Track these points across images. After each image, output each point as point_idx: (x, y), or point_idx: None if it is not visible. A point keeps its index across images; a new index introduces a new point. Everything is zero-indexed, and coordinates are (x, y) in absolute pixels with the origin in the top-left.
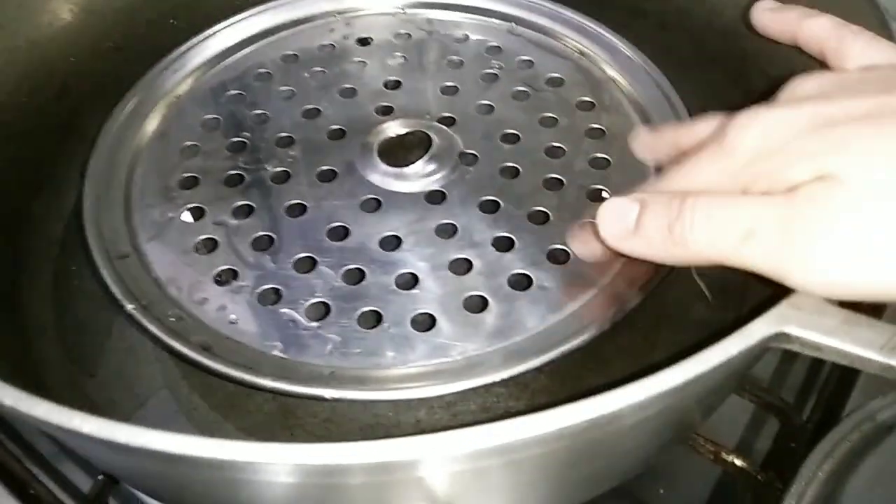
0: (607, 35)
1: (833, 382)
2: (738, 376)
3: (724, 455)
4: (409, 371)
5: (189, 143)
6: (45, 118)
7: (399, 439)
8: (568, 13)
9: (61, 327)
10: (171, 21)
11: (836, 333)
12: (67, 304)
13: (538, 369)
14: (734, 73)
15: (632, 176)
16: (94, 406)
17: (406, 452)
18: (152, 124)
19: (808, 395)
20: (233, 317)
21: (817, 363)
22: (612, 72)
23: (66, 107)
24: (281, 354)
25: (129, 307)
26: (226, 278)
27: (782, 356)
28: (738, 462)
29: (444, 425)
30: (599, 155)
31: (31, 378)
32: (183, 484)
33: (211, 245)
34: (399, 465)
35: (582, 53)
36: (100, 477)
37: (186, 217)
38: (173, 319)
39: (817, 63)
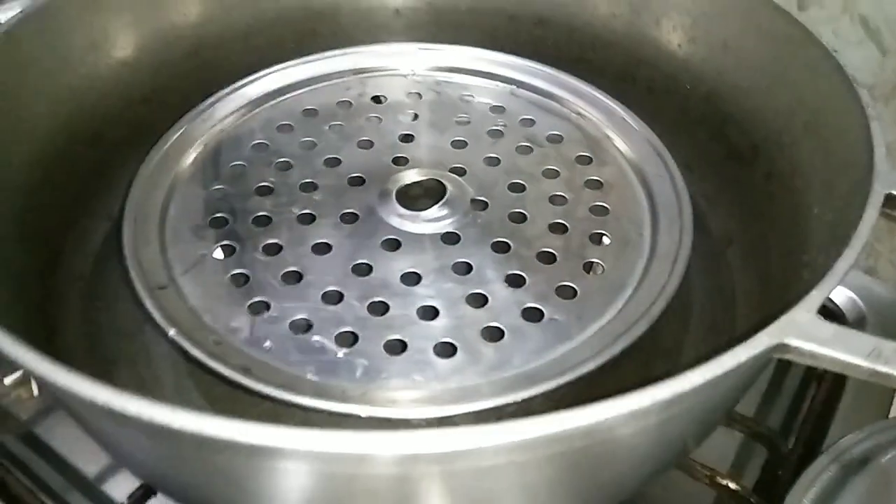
0: (602, 98)
1: (814, 415)
2: (734, 397)
3: (719, 479)
4: (434, 393)
5: (218, 186)
6: (78, 163)
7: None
8: (565, 77)
9: (90, 361)
10: (198, 76)
11: (829, 344)
12: (95, 338)
13: (549, 393)
14: (717, 132)
15: (629, 223)
16: None
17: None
18: (183, 168)
19: (791, 425)
20: (267, 344)
21: (799, 397)
22: (607, 130)
23: (99, 152)
24: (314, 378)
25: (171, 332)
26: (258, 309)
27: (767, 389)
28: (733, 485)
29: None
30: (599, 203)
31: None
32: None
33: (243, 280)
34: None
35: (579, 114)
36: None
37: (218, 254)
38: (214, 343)
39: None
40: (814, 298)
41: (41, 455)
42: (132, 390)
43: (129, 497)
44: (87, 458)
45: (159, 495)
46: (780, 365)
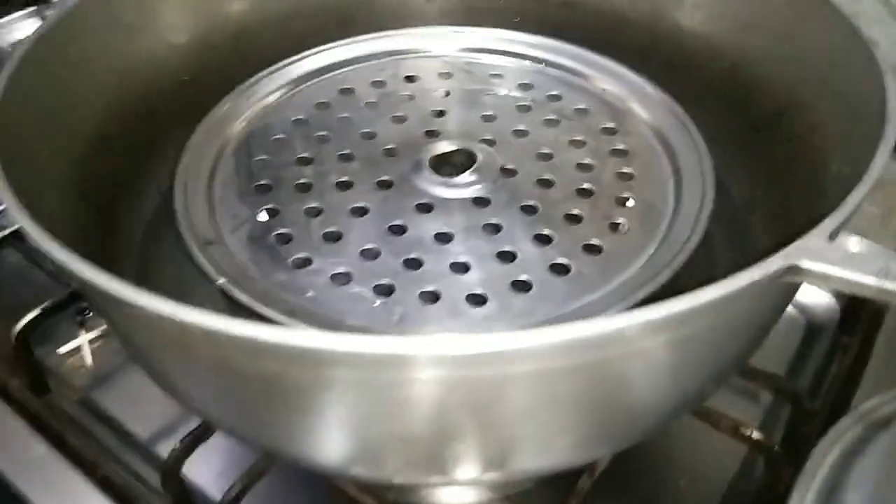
0: (627, 73)
1: (841, 378)
2: (751, 333)
3: (742, 430)
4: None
5: (261, 157)
6: (133, 136)
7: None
8: (591, 55)
9: None
10: (242, 58)
11: (839, 264)
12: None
13: None
14: (739, 104)
15: (653, 187)
16: None
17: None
18: (229, 140)
19: (819, 387)
20: (311, 293)
21: (828, 361)
22: (632, 104)
23: (151, 127)
24: (354, 322)
25: (221, 280)
26: (301, 264)
27: (796, 353)
28: (756, 436)
29: None
30: (623, 170)
31: None
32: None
33: (286, 238)
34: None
35: (605, 89)
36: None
37: (262, 216)
38: (260, 289)
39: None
40: (826, 225)
41: (97, 419)
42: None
43: (181, 441)
44: (138, 421)
45: (205, 443)
46: (809, 330)
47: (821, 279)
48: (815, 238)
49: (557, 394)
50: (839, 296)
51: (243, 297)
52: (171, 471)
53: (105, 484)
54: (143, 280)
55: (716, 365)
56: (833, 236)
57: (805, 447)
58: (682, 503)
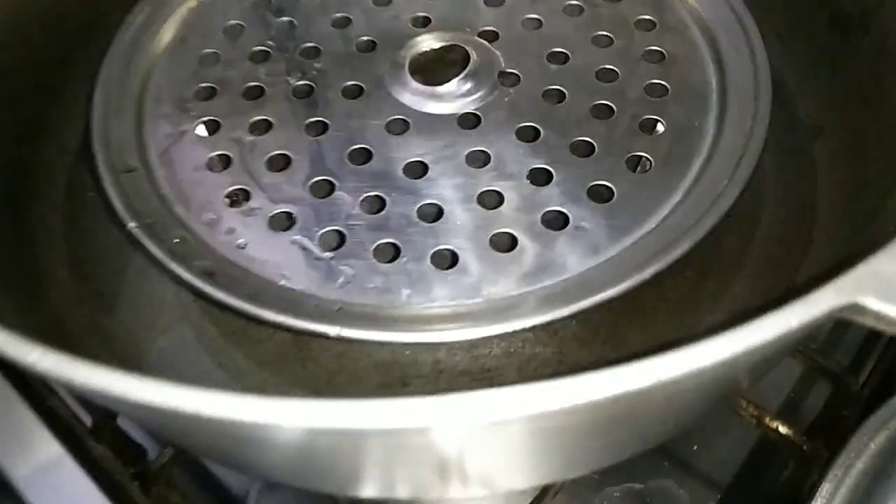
0: None
1: (892, 353)
2: (798, 344)
3: (767, 420)
4: (426, 312)
5: (209, 50)
6: (64, 23)
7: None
8: None
9: (72, 240)
10: None
11: None
12: (78, 217)
13: (570, 317)
14: None
15: (691, 107)
16: (109, 336)
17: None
18: (170, 30)
19: (865, 360)
20: (241, 241)
21: (875, 331)
22: None
23: (86, 10)
24: (288, 285)
25: (131, 225)
26: (237, 199)
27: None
28: (783, 429)
29: (463, 368)
30: (657, 81)
31: (43, 306)
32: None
33: (224, 162)
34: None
35: None
36: None
37: (201, 130)
38: (177, 241)
39: None
40: None
41: None
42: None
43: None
44: None
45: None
46: None
47: (888, 324)
48: (888, 262)
49: (547, 441)
50: None
51: (154, 250)
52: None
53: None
54: (70, 209)
55: (746, 379)
56: None
57: (843, 431)
58: (693, 466)
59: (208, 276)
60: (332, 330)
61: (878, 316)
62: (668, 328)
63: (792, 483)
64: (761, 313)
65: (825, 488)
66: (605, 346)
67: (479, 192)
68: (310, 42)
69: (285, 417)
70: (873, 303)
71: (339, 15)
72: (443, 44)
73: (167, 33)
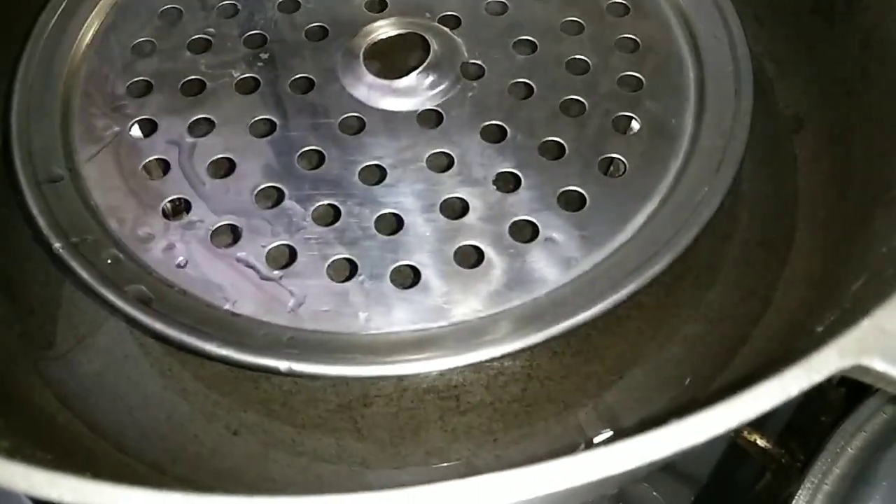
0: None
1: None
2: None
3: (745, 433)
4: (386, 338)
5: (143, 39)
6: None
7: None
8: None
9: None
10: None
11: None
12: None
13: (542, 344)
14: None
15: (667, 102)
16: (42, 357)
17: None
18: (98, 16)
19: None
20: (181, 259)
21: None
22: None
23: None
24: (233, 310)
25: (56, 245)
26: (176, 210)
27: None
28: (760, 442)
29: (428, 385)
30: (631, 73)
31: None
32: None
33: (162, 167)
34: None
35: None
36: None
37: (135, 132)
38: (110, 262)
39: None
40: None
41: None
42: None
43: None
44: None
45: None
46: None
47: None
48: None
49: None
50: None
51: (83, 273)
52: None
53: None
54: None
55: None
56: None
57: (818, 436)
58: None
59: (144, 303)
60: (282, 365)
61: (886, 378)
62: (642, 338)
63: (770, 491)
64: (758, 380)
65: (802, 495)
66: (577, 359)
67: (442, 199)
68: (255, 29)
69: None
70: (879, 364)
71: None
72: (400, 31)
73: (95, 19)
